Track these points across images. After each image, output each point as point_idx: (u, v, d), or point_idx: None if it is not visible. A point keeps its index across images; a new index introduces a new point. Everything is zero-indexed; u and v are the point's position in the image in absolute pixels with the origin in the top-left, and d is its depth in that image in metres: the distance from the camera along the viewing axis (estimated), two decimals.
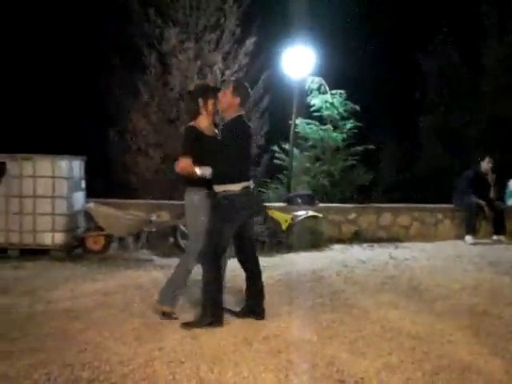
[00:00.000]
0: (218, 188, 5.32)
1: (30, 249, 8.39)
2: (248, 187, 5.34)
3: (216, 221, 5.29)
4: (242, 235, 5.49)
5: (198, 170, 5.24)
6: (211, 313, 5.27)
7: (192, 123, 5.55)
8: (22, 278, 7.05)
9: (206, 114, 5.54)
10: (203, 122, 5.53)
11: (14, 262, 7.91)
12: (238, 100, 5.35)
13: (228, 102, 5.35)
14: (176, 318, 5.44)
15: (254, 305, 5.56)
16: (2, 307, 5.77)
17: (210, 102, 5.53)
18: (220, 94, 5.49)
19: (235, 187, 5.27)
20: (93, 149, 10.09)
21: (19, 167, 8.36)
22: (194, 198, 5.47)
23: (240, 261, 5.61)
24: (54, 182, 8.34)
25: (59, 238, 8.38)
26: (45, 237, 8.37)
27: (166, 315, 5.47)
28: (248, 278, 5.59)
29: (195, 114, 5.57)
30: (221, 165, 5.24)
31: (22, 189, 8.37)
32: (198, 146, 5.37)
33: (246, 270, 5.60)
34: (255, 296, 5.57)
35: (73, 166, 8.64)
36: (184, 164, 5.29)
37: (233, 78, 11.08)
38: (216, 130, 5.57)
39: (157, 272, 7.39)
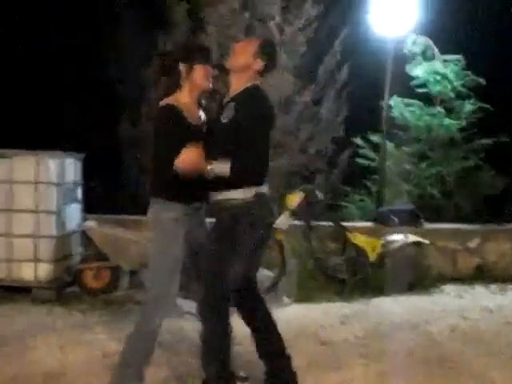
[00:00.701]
0: (217, 195, 5.16)
1: (2, 286, 8.53)
2: (263, 195, 5.16)
3: (215, 249, 5.11)
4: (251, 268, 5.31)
5: (211, 167, 5.00)
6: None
7: (168, 101, 5.24)
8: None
9: (189, 87, 5.31)
10: (184, 99, 5.29)
11: None
12: (259, 65, 5.24)
13: (245, 62, 5.23)
14: None
15: (276, 370, 5.40)
16: None
17: (200, 70, 5.29)
18: (236, 47, 5.36)
19: (244, 194, 5.08)
20: (94, 142, 10.24)
21: (9, 167, 8.52)
22: (165, 217, 5.18)
23: (241, 309, 5.41)
24: (38, 190, 8.46)
25: (45, 270, 8.47)
26: (24, 269, 8.47)
27: None
28: (257, 334, 5.43)
29: (171, 88, 5.31)
30: (233, 162, 5.02)
31: (12, 200, 8.51)
32: (181, 136, 5.08)
33: (250, 320, 5.42)
34: (273, 357, 5.41)
35: (65, 167, 8.76)
36: (192, 156, 4.95)
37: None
38: (201, 114, 5.41)
39: (185, 323, 7.40)
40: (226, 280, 5.05)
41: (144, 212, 9.63)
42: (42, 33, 13.42)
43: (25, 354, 6.30)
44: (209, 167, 4.97)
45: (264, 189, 5.18)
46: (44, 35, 13.38)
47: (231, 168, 4.97)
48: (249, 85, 5.22)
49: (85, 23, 13.29)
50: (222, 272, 5.05)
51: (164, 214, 5.18)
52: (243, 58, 5.24)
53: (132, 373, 5.22)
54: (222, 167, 4.98)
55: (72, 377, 5.74)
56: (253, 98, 5.17)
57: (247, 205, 5.07)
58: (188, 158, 4.93)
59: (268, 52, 5.29)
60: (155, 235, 5.28)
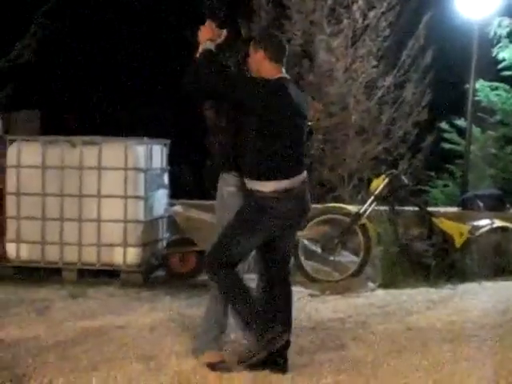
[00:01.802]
0: (248, 184, 5.33)
1: (92, 270, 8.75)
2: (288, 190, 5.24)
3: (235, 221, 5.34)
4: (273, 249, 5.51)
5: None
6: (259, 340, 5.30)
7: None
8: (83, 312, 7.28)
9: None
10: None
11: (71, 289, 8.25)
12: (261, 54, 5.36)
13: (255, 62, 5.41)
14: (228, 370, 5.43)
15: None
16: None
17: None
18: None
19: (264, 187, 5.22)
20: (179, 128, 10.31)
21: (79, 155, 8.72)
22: (225, 191, 5.50)
23: (263, 283, 5.67)
24: (127, 176, 8.63)
25: (133, 254, 8.66)
26: (113, 253, 8.68)
27: (212, 367, 5.45)
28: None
29: None
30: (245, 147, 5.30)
31: (81, 185, 8.72)
32: None
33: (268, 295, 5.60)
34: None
35: (153, 154, 8.88)
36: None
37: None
38: None
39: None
40: (232, 249, 5.33)
41: None
42: (131, 23, 13.64)
43: (117, 336, 6.41)
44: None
45: (291, 183, 5.26)
46: (132, 25, 13.59)
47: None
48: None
49: (168, 11, 13.41)
50: (232, 240, 5.32)
51: (225, 186, 5.50)
52: (252, 61, 5.44)
53: (207, 336, 5.58)
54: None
55: (163, 358, 5.79)
56: (264, 85, 5.30)
57: (270, 197, 5.21)
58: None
59: (264, 41, 5.44)
60: (218, 206, 5.64)
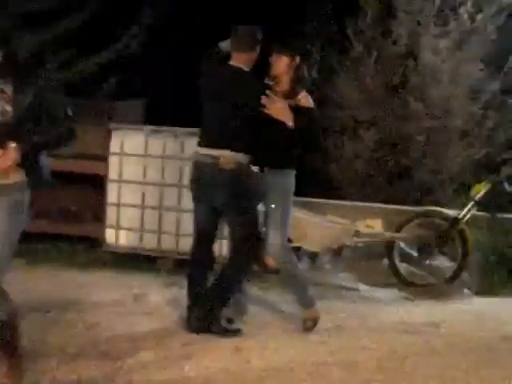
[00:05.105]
0: None
1: (187, 259, 8.82)
2: (199, 154, 6.21)
3: None
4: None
5: None
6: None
7: None
8: (177, 302, 7.30)
9: None
10: None
11: (166, 277, 8.39)
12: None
13: None
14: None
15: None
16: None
17: None
18: None
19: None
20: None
21: (180, 145, 8.86)
22: None
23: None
24: None
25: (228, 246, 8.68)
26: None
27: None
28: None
29: None
30: None
31: (181, 176, 8.82)
32: None
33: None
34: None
35: None
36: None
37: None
38: None
39: (364, 307, 7.43)
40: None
41: (326, 195, 9.58)
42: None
43: None
44: None
45: (199, 150, 6.21)
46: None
47: None
48: None
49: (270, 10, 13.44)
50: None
51: None
52: None
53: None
54: None
55: (253, 349, 5.91)
56: None
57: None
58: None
59: None
60: None
